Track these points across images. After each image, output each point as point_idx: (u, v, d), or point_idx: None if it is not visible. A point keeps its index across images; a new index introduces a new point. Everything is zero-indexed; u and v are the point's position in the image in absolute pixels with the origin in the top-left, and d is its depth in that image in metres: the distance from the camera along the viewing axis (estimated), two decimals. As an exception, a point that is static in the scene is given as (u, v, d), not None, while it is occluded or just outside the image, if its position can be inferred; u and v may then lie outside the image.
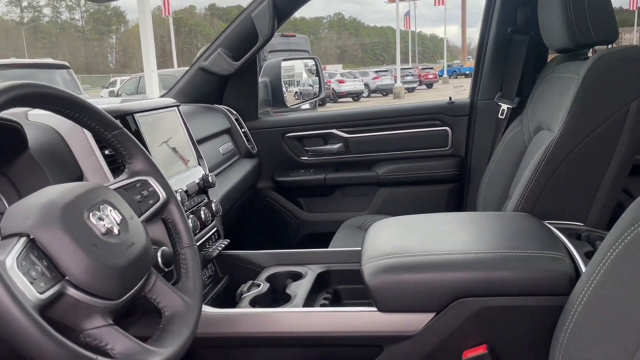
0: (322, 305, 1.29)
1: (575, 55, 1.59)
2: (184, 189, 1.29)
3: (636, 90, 1.35)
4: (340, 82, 22.02)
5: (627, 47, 1.43)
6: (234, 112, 2.18)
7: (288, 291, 1.29)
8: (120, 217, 0.79)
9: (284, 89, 2.45)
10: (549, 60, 1.87)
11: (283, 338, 1.14)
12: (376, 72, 25.69)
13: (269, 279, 1.37)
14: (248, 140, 2.18)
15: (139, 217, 0.88)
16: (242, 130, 2.16)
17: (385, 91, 23.84)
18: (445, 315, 1.06)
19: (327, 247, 1.64)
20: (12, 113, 1.01)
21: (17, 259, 0.63)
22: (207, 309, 1.18)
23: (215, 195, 1.55)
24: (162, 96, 2.12)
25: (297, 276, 1.38)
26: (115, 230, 0.76)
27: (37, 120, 1.06)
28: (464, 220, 1.32)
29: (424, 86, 28.86)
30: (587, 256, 1.11)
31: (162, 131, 1.33)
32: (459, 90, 16.33)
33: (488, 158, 2.01)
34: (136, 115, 1.21)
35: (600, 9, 1.44)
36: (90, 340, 0.70)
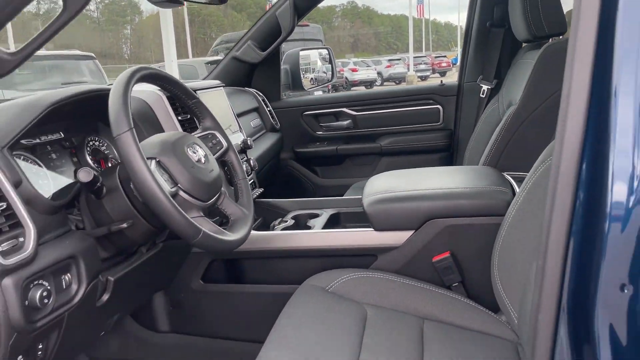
0: None
1: (538, 44, 2.00)
2: None
3: None
4: (354, 70, 22.16)
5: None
6: (261, 94, 2.62)
7: (308, 224, 1.72)
8: (204, 153, 1.23)
9: (301, 75, 2.89)
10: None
11: (306, 250, 1.57)
12: (389, 60, 25.77)
13: (293, 218, 1.81)
14: (272, 117, 2.62)
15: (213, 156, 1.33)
16: (268, 109, 2.60)
17: (398, 79, 23.94)
18: (420, 232, 1.48)
19: None
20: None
21: (156, 170, 1.08)
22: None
23: (251, 156, 1.99)
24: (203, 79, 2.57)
25: (315, 216, 1.81)
26: (203, 160, 1.21)
27: (133, 95, 1.51)
28: (440, 171, 1.75)
29: (437, 74, 28.87)
30: None
31: (214, 104, 1.77)
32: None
33: (472, 130, 2.43)
34: (198, 92, 1.65)
35: (551, 6, 1.85)
36: None
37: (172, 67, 6.57)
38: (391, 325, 1.24)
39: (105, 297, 1.19)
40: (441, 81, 2.65)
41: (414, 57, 25.25)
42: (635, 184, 0.61)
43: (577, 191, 0.65)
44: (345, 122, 2.72)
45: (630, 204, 0.61)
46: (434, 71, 27.81)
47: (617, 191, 0.62)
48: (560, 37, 1.93)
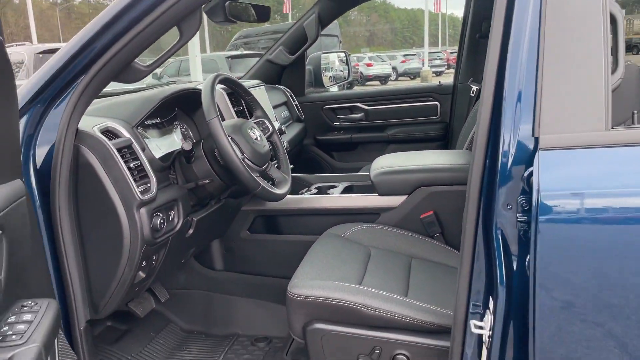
0: None
1: None
2: None
3: None
4: (369, 65, 21.94)
5: None
6: (289, 90, 3.16)
7: (328, 192, 2.26)
8: (259, 134, 1.77)
9: (322, 75, 3.44)
10: None
11: (326, 209, 2.10)
12: (404, 55, 25.52)
13: (317, 188, 2.35)
14: (298, 110, 3.16)
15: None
16: (294, 103, 3.14)
17: (413, 75, 23.76)
18: (412, 196, 2.00)
19: None
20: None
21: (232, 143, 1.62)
22: None
23: (283, 140, 2.53)
24: (240, 78, 3.12)
25: (333, 187, 2.34)
26: (259, 138, 1.74)
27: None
28: (430, 153, 2.27)
29: (452, 70, 28.30)
30: None
31: (258, 99, 2.31)
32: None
33: (464, 123, 2.95)
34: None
35: None
36: None
37: (195, 61, 6.94)
38: (388, 259, 1.77)
39: (191, 231, 1.73)
40: (439, 82, 3.17)
41: (430, 53, 25.12)
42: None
43: (487, 149, 1.18)
44: (358, 115, 3.26)
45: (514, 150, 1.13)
46: (448, 67, 26.09)
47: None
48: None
